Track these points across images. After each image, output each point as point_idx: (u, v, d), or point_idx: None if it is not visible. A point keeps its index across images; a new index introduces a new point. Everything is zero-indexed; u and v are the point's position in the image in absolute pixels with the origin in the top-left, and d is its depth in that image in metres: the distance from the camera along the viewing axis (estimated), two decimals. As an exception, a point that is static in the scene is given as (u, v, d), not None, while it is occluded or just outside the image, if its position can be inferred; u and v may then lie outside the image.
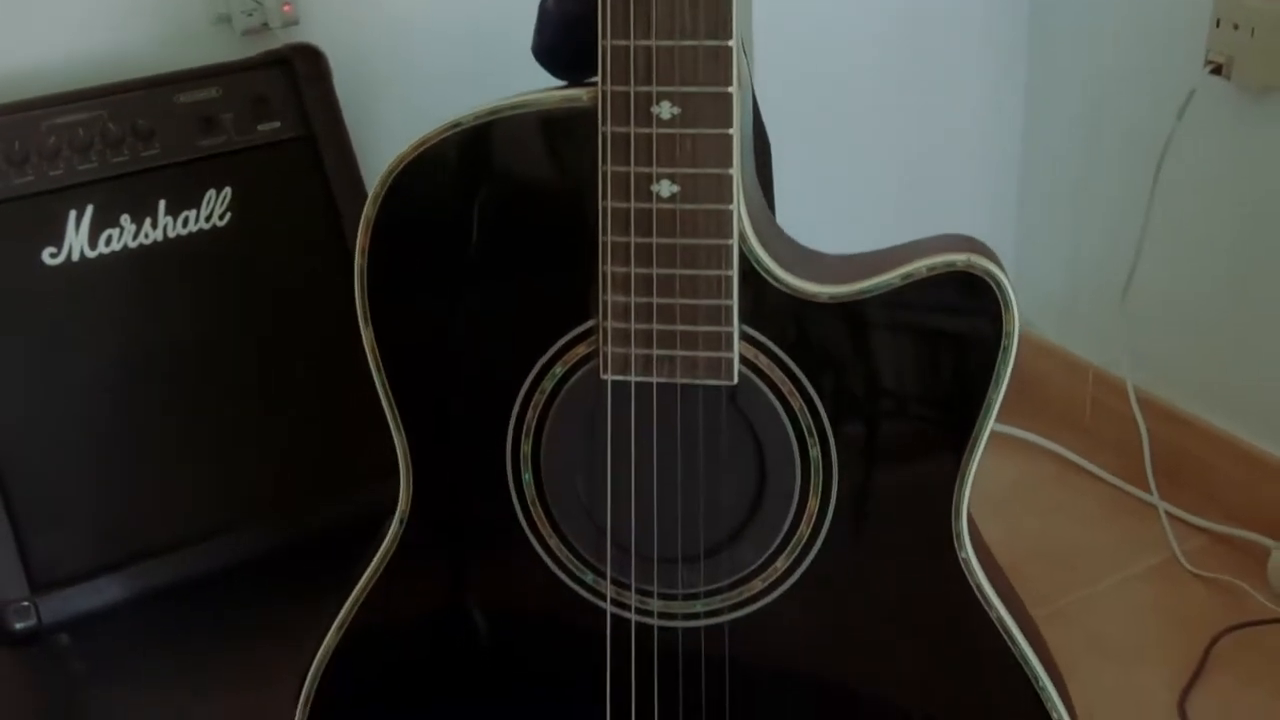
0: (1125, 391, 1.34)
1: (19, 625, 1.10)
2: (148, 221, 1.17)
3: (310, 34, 1.26)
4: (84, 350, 1.15)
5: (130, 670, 1.16)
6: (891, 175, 1.33)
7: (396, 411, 0.66)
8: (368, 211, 0.63)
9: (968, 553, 0.64)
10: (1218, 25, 1.18)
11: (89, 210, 1.15)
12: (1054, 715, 0.65)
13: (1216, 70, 1.19)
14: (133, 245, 1.16)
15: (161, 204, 1.17)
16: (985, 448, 0.62)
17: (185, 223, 1.18)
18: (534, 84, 0.65)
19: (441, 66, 1.26)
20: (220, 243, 1.19)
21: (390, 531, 0.68)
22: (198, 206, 1.18)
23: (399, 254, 0.64)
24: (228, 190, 1.19)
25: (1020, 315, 0.60)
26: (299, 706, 0.70)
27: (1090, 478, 1.38)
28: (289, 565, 1.12)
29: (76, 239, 1.14)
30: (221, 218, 1.19)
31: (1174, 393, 1.34)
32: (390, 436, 1.22)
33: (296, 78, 1.21)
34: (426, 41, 1.28)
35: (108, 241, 1.15)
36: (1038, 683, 0.65)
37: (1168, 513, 1.29)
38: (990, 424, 0.61)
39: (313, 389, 1.22)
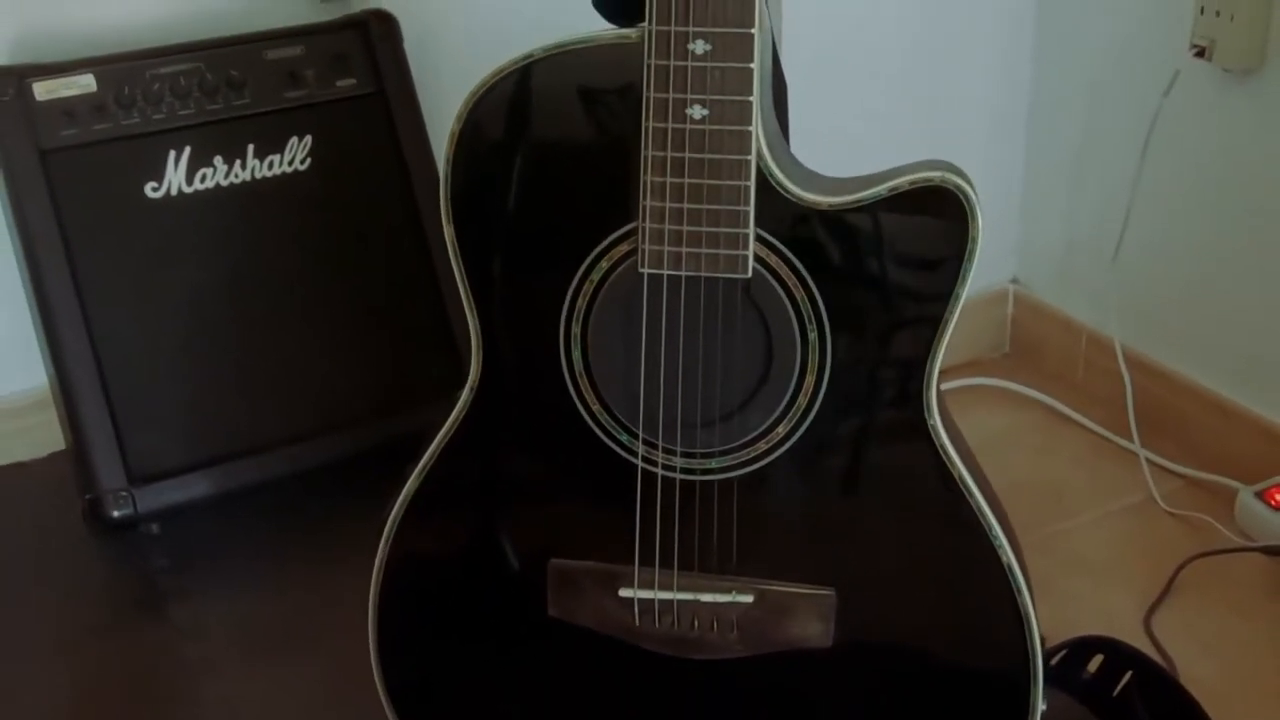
0: (1114, 349, 1.44)
1: (117, 513, 1.23)
2: (238, 163, 1.31)
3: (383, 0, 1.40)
4: (180, 273, 1.29)
5: (212, 559, 1.29)
6: (905, 142, 1.43)
7: (471, 297, 0.79)
8: (454, 128, 0.76)
9: (935, 420, 0.76)
10: (1201, 12, 1.26)
11: (186, 151, 1.28)
12: (1004, 559, 0.77)
13: (1200, 53, 1.26)
14: (224, 184, 1.30)
15: (250, 148, 1.31)
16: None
17: (270, 165, 1.32)
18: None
19: (501, 32, 1.39)
20: (301, 185, 1.33)
21: (463, 398, 0.81)
22: (281, 151, 1.32)
23: (477, 163, 0.76)
24: (309, 138, 1.33)
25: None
26: (381, 543, 0.83)
27: (1077, 427, 1.47)
28: (360, 473, 1.22)
29: (175, 175, 1.28)
30: (303, 162, 1.33)
31: (1157, 349, 1.43)
32: (448, 358, 1.35)
33: (371, 39, 1.35)
34: (489, 9, 1.40)
35: (202, 179, 1.29)
36: (990, 531, 0.76)
37: (1148, 459, 1.37)
38: (957, 312, 0.74)
39: (381, 316, 1.37)
